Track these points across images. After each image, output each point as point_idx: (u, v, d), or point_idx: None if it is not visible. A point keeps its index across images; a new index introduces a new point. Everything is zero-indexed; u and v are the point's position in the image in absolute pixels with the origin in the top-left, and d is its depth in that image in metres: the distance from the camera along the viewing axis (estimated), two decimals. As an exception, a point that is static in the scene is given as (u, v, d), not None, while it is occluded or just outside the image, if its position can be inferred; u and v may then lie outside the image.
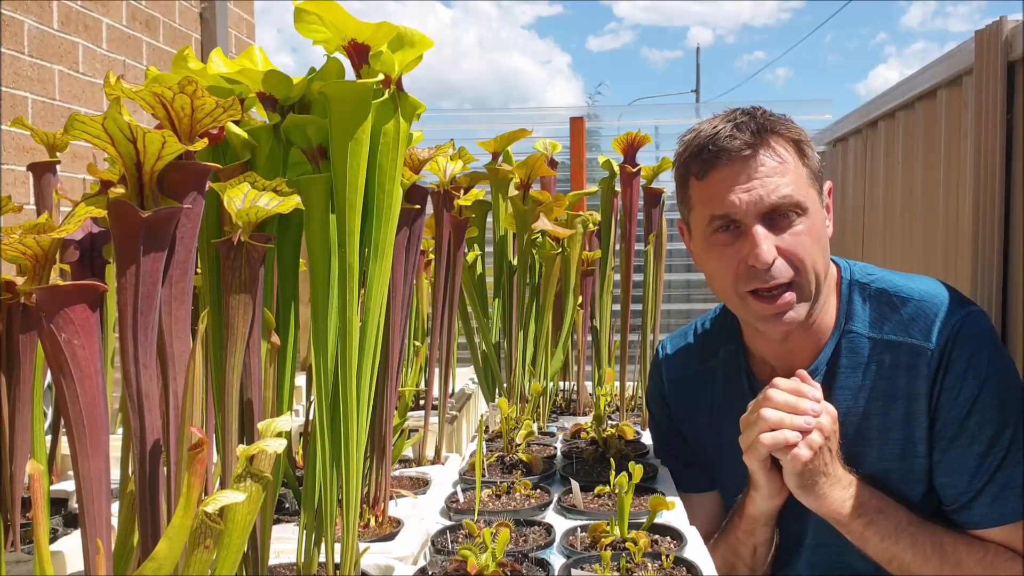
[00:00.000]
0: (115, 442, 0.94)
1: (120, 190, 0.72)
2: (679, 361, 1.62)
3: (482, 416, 1.85)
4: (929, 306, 1.31)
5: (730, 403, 1.38)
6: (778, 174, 1.29)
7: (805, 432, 1.22)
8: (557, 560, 1.17)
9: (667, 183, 1.98)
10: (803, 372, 1.30)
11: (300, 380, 1.77)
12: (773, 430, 1.23)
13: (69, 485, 1.41)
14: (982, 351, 1.26)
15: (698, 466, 1.59)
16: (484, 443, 1.65)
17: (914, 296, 1.33)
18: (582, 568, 1.12)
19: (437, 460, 1.72)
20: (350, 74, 0.99)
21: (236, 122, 0.99)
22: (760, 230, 1.28)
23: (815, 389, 1.27)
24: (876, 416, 1.33)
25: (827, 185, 1.40)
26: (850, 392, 1.35)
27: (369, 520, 1.28)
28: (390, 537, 1.23)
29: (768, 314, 1.32)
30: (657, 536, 1.25)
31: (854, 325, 1.36)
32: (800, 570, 1.47)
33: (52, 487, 1.38)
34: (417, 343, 2.16)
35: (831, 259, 1.42)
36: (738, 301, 1.36)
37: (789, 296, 1.30)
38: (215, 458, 0.93)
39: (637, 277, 2.15)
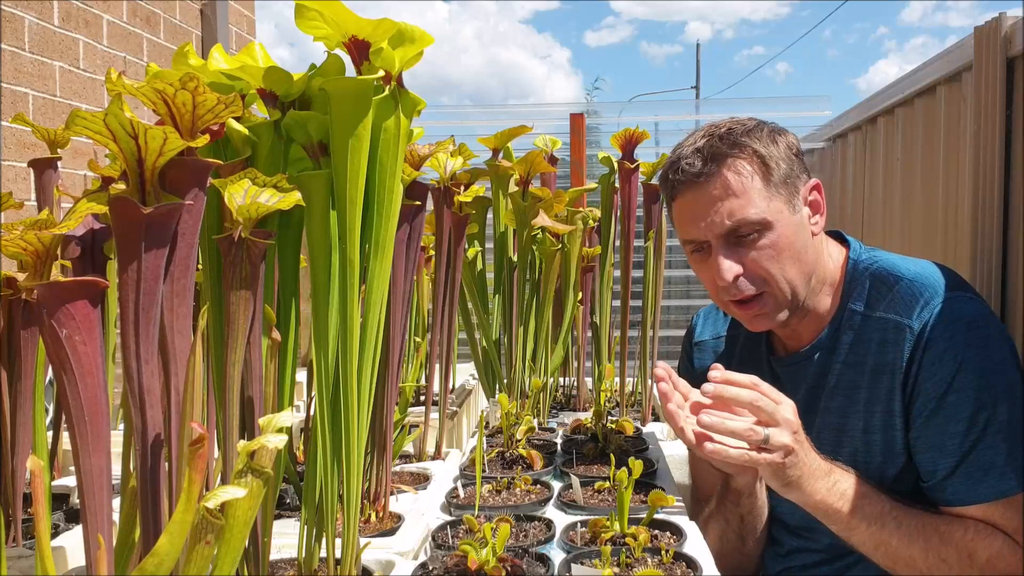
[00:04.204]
0: (116, 438, 0.95)
1: (121, 186, 0.72)
2: (707, 327, 1.71)
3: (482, 412, 1.86)
4: (918, 286, 1.34)
5: (746, 369, 1.40)
6: (733, 196, 1.33)
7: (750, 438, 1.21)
8: (557, 555, 1.17)
9: (667, 179, 1.98)
10: (754, 378, 1.27)
11: (301, 376, 1.77)
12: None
13: (70, 481, 1.41)
14: (960, 333, 1.29)
15: None
16: (484, 439, 1.65)
17: (907, 276, 1.37)
18: (582, 563, 1.13)
19: (437, 456, 1.72)
20: (350, 70, 0.99)
21: (237, 118, 0.99)
22: (722, 251, 1.35)
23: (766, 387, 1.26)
24: (864, 389, 1.37)
25: (810, 183, 1.42)
26: (848, 366, 1.40)
27: (370, 515, 1.28)
28: (391, 532, 1.23)
29: (745, 318, 1.42)
30: (657, 531, 1.25)
31: (853, 303, 1.41)
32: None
33: (53, 483, 1.38)
34: (418, 339, 2.16)
35: (845, 238, 1.50)
36: (724, 308, 1.46)
37: (757, 306, 1.38)
38: (216, 454, 0.93)
39: (637, 273, 2.15)
